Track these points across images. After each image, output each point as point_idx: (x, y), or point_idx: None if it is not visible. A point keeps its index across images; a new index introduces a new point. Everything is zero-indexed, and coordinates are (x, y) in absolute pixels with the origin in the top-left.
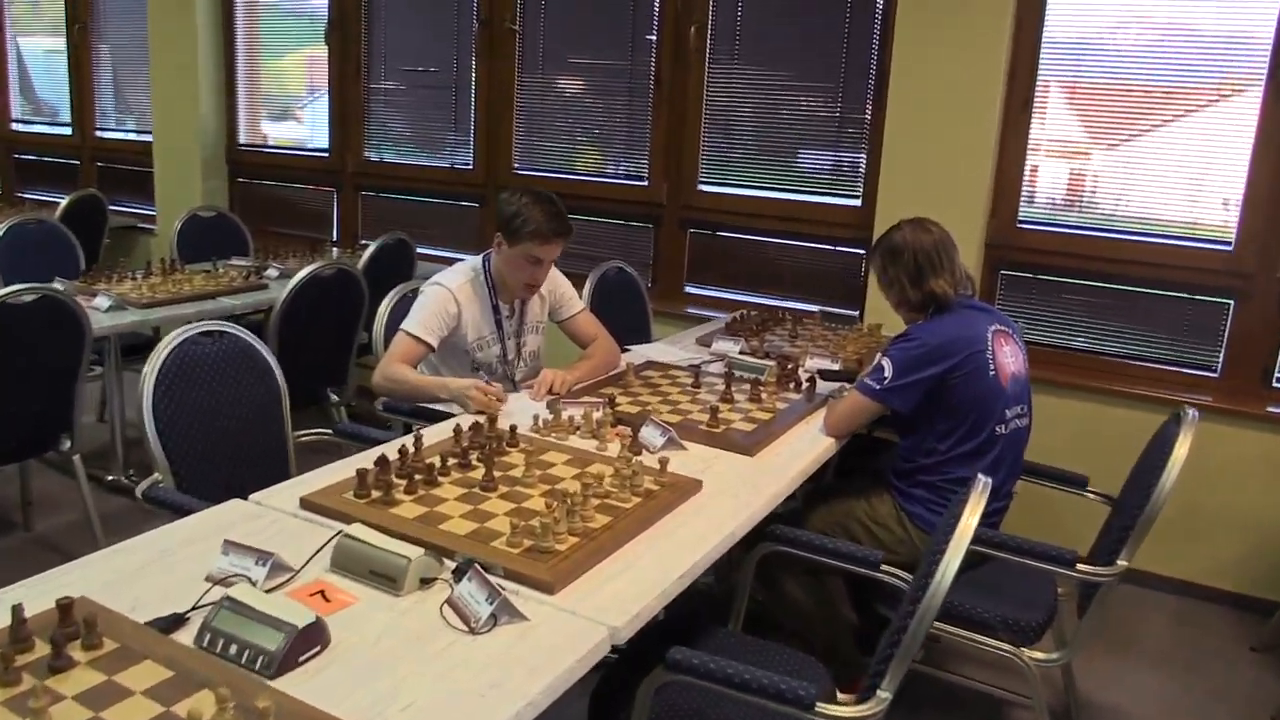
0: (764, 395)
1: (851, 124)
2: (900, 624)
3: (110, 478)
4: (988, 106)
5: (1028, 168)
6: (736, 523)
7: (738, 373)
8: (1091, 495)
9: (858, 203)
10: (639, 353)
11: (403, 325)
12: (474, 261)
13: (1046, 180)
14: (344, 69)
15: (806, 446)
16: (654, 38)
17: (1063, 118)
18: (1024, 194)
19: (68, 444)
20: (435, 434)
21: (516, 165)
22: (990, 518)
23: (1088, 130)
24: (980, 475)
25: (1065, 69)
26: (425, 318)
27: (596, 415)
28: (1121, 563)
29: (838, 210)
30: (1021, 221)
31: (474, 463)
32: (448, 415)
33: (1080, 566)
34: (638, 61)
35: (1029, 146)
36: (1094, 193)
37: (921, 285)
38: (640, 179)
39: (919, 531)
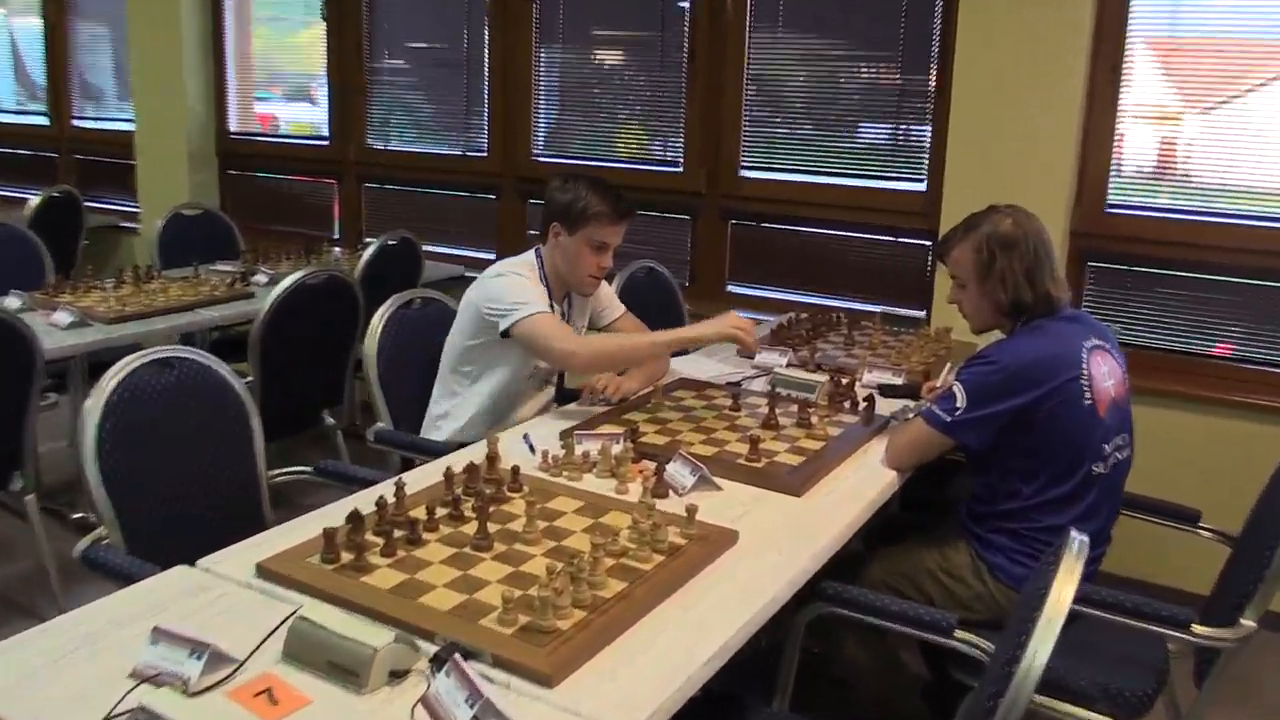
0: (814, 419)
1: (913, 97)
2: (983, 708)
3: (76, 515)
4: (1070, 73)
5: (1117, 143)
6: (779, 585)
7: (784, 391)
8: (1206, 533)
9: (921, 186)
10: (671, 367)
11: (515, 317)
12: (527, 258)
13: (1138, 157)
14: (343, 47)
15: (865, 482)
16: (686, 4)
17: (1156, 83)
18: (1113, 173)
19: (19, 484)
20: (423, 478)
21: (536, 151)
22: (1086, 566)
23: (1183, 96)
24: (1075, 534)
25: (1159, 25)
26: (530, 296)
27: (615, 449)
28: (1248, 623)
29: (899, 196)
30: (1111, 206)
31: (467, 514)
32: (444, 449)
33: (1197, 628)
34: (669, 32)
35: (1118, 118)
36: (1193, 171)
37: (1036, 285)
38: (674, 165)
39: (1001, 586)
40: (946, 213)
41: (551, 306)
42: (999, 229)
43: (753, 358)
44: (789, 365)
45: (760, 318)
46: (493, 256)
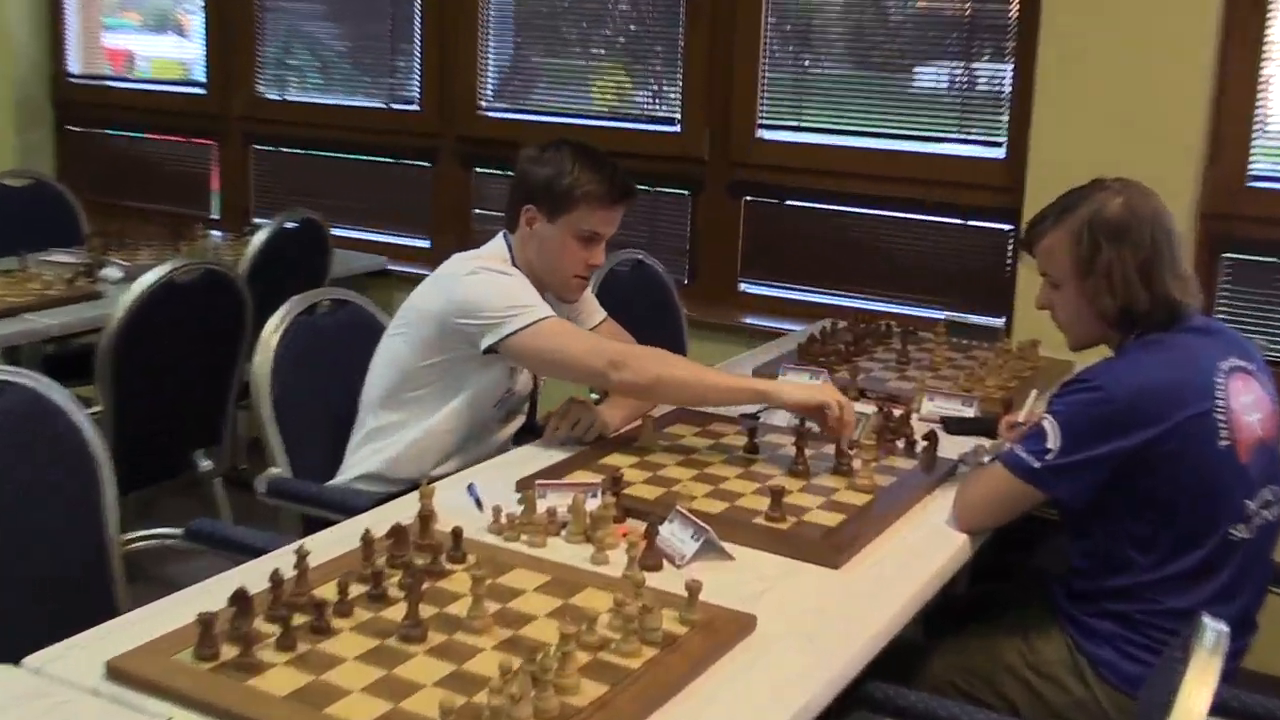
0: (857, 464)
1: (988, 31)
2: None
3: None
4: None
5: (1262, 93)
6: (812, 689)
7: (816, 427)
8: None
9: (999, 151)
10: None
11: (514, 326)
12: (496, 249)
13: None
14: None
15: (925, 550)
16: None
17: None
18: (1257, 134)
19: None
20: (334, 543)
21: (484, 104)
22: (1225, 663)
23: None
24: (1209, 620)
25: None
26: (528, 296)
27: (592, 505)
28: None
29: (969, 164)
30: (1255, 178)
31: (392, 593)
32: (361, 503)
33: None
34: None
35: (1263, 59)
36: None
37: (1154, 285)
38: (669, 122)
39: (1109, 689)
40: (1034, 187)
41: None
42: (1105, 211)
43: (846, 447)
44: None
45: (783, 327)
46: (426, 244)
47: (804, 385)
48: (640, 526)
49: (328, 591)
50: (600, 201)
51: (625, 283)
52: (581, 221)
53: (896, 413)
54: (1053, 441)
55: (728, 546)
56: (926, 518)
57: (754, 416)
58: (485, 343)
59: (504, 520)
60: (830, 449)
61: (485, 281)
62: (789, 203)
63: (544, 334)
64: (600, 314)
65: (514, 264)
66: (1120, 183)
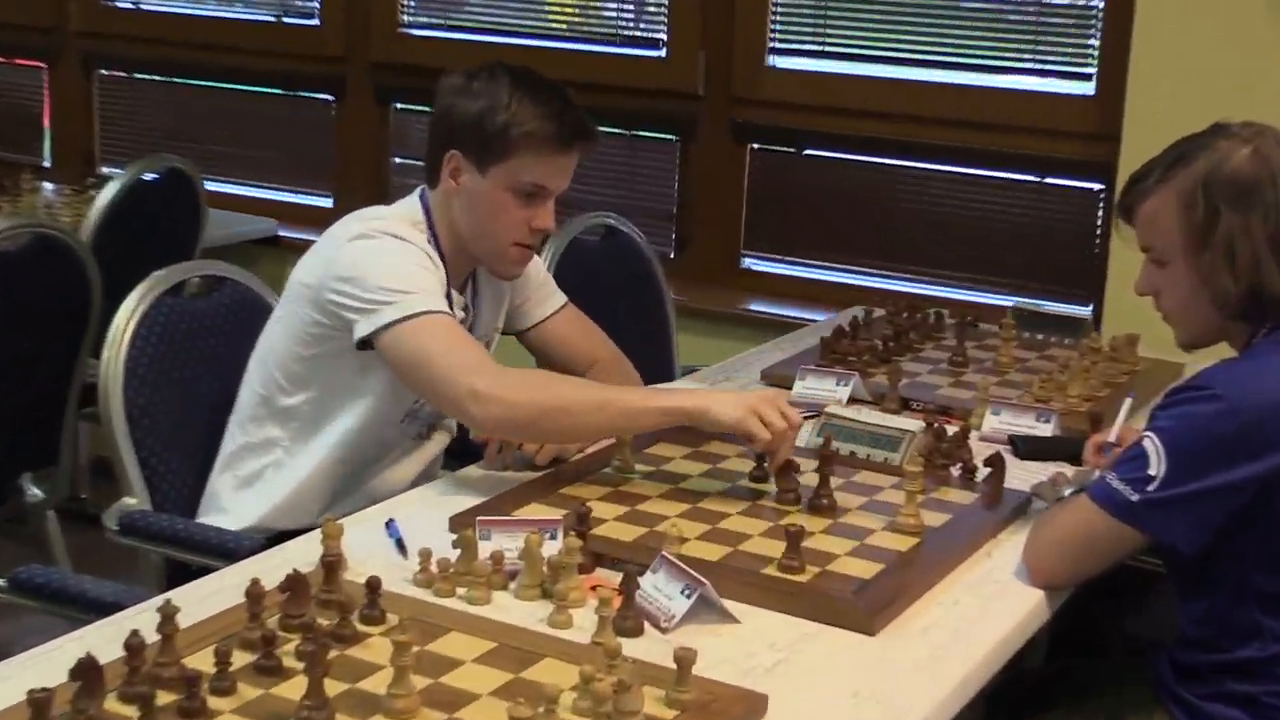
0: (900, 496)
1: None
2: None
3: None
4: None
5: None
6: None
7: (845, 448)
8: None
9: (1087, 88)
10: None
11: (388, 317)
12: (407, 208)
13: None
14: None
15: (988, 610)
16: None
17: None
18: None
19: None
20: (209, 598)
21: (405, 20)
22: None
23: None
24: None
25: None
26: (417, 280)
27: (550, 549)
28: None
29: (1047, 102)
30: None
31: (288, 665)
32: (245, 546)
33: None
34: None
35: None
36: None
37: None
38: (653, 46)
39: None
40: (1133, 134)
41: (449, 298)
42: (1227, 165)
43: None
44: (852, 401)
45: (802, 316)
46: (329, 203)
47: (731, 395)
48: (614, 578)
49: (202, 661)
50: (546, 145)
51: (593, 256)
52: (521, 171)
53: (950, 430)
54: (1156, 468)
55: (729, 605)
56: (990, 569)
57: None
58: (358, 333)
59: (434, 568)
60: (864, 478)
61: (369, 251)
62: (808, 152)
63: (420, 333)
64: (557, 299)
65: (433, 230)
66: (1249, 129)
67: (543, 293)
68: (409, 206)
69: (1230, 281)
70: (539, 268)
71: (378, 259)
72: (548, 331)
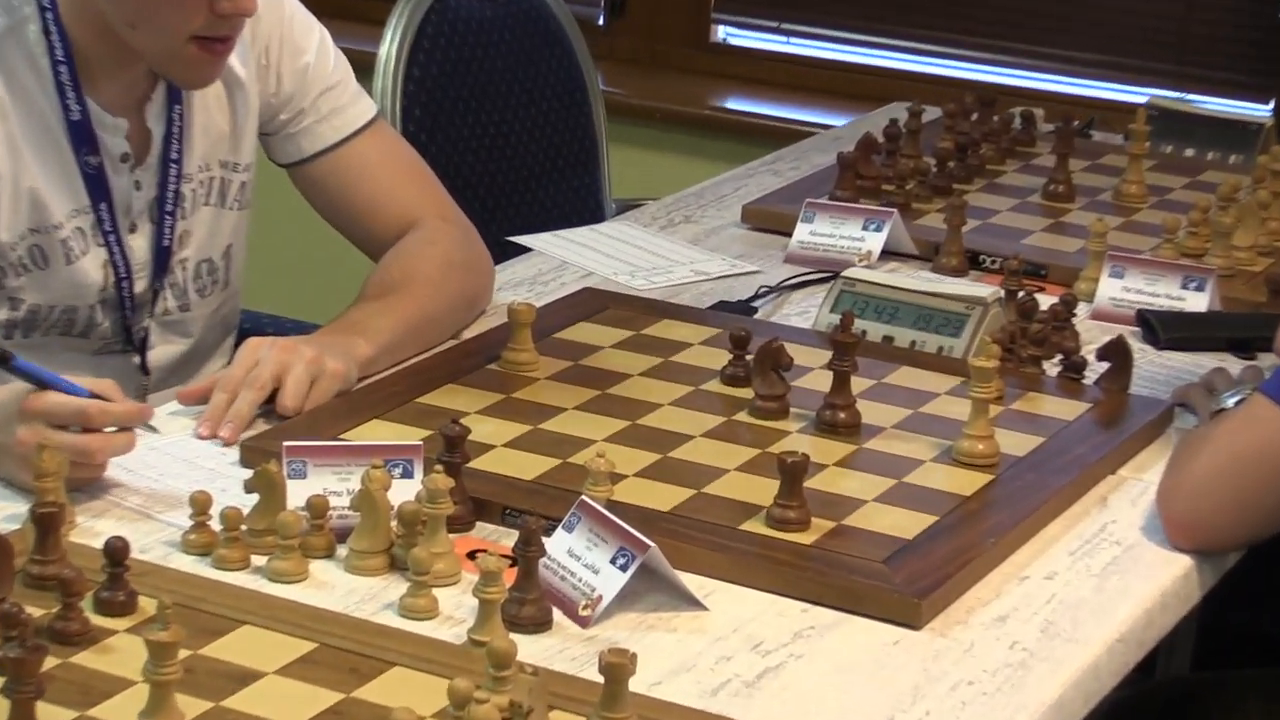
0: (963, 408)
1: None
2: None
3: None
4: None
5: None
6: None
7: (876, 329)
8: None
9: None
10: (563, 260)
11: None
12: None
13: None
14: None
15: (1101, 587)
16: None
17: None
18: None
19: None
20: None
21: None
22: None
23: None
24: None
25: None
26: None
27: (402, 492)
28: None
29: None
30: None
31: None
32: None
33: None
34: None
35: None
36: None
37: None
38: None
39: None
40: None
41: (86, 118)
42: None
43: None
44: (887, 256)
45: (808, 119)
46: None
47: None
48: (506, 540)
49: None
50: None
51: (468, 27)
52: None
53: (1045, 302)
54: None
55: (689, 581)
56: (1104, 523)
57: (749, 304)
58: None
59: (216, 524)
60: (904, 374)
61: None
62: None
63: None
64: (350, 117)
65: (52, 15)
66: None
67: (324, 104)
68: None
69: None
70: (323, 58)
71: None
72: (336, 171)
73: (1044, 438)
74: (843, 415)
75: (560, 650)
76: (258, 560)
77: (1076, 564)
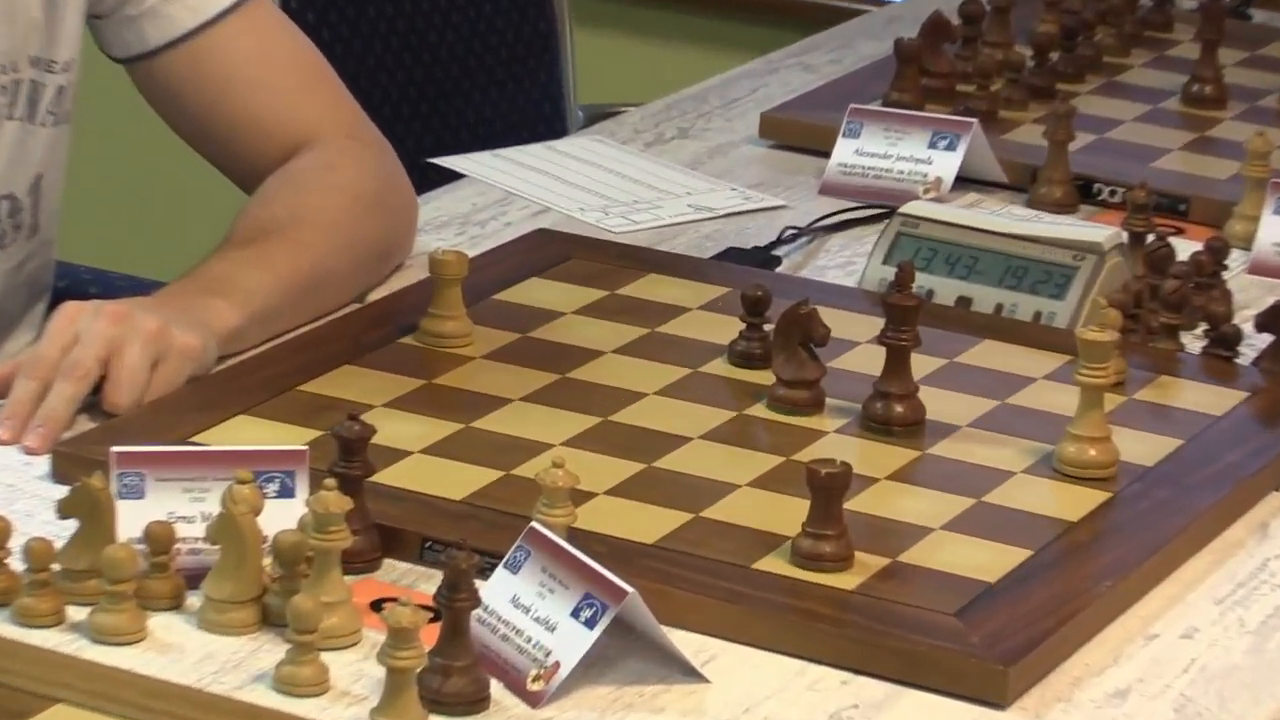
0: (1069, 397)
1: None
2: None
3: None
4: None
5: None
6: None
7: (948, 287)
8: None
9: None
10: (507, 190)
11: None
12: None
13: None
14: None
15: (1265, 648)
16: None
17: None
18: None
19: None
20: None
21: None
22: None
23: None
24: None
25: None
26: None
27: (281, 516)
28: None
29: None
30: None
31: None
32: None
33: None
34: None
35: None
36: None
37: None
38: None
39: None
40: None
41: None
42: None
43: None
44: (962, 185)
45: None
46: None
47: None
48: (425, 581)
49: None
50: None
51: None
52: None
53: (1183, 247)
54: None
55: (683, 641)
56: (1265, 559)
57: (766, 254)
58: None
59: (16, 563)
60: (998, 355)
61: None
62: None
63: None
64: (201, 9)
65: None
66: None
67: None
68: None
69: None
70: None
71: None
72: (184, 69)
73: (1182, 440)
74: (899, 409)
75: None
76: (76, 613)
77: (1226, 617)
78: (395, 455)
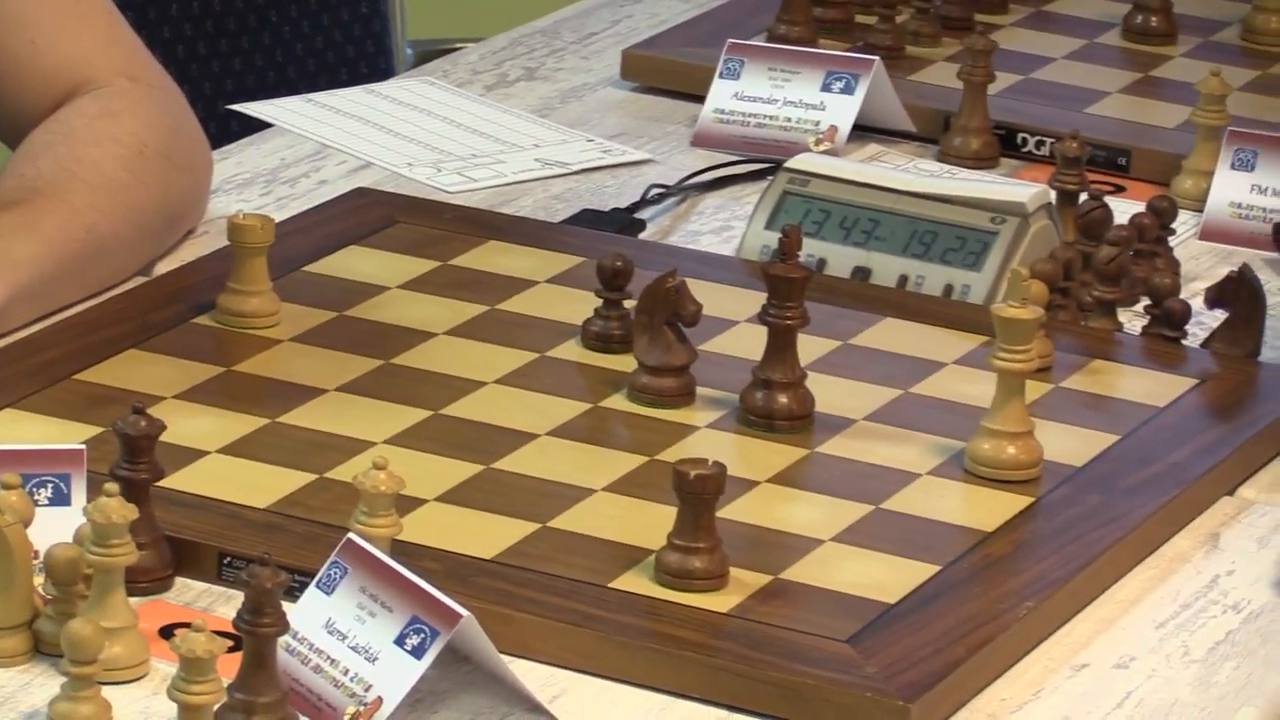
0: (984, 384)
1: None
2: None
3: None
4: None
5: None
6: None
7: (843, 255)
8: None
9: None
10: (321, 142)
11: None
12: None
13: None
14: None
15: (1211, 679)
16: None
17: None
18: None
19: None
20: None
21: None
22: None
23: None
24: None
25: None
26: None
27: (52, 530)
28: None
29: None
30: None
31: None
32: None
33: None
34: None
35: None
36: None
37: None
38: None
39: None
40: None
41: None
42: None
43: None
44: (860, 134)
45: None
46: None
47: None
48: (224, 605)
49: None
50: None
51: None
52: None
53: (1121, 208)
54: None
55: (528, 673)
56: (1214, 574)
57: (628, 216)
58: None
59: None
60: (904, 336)
61: None
62: None
63: None
64: None
65: None
66: None
67: None
68: None
69: None
70: None
71: None
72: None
73: (1117, 436)
74: (783, 400)
75: None
76: None
77: (1167, 644)
78: (189, 456)
